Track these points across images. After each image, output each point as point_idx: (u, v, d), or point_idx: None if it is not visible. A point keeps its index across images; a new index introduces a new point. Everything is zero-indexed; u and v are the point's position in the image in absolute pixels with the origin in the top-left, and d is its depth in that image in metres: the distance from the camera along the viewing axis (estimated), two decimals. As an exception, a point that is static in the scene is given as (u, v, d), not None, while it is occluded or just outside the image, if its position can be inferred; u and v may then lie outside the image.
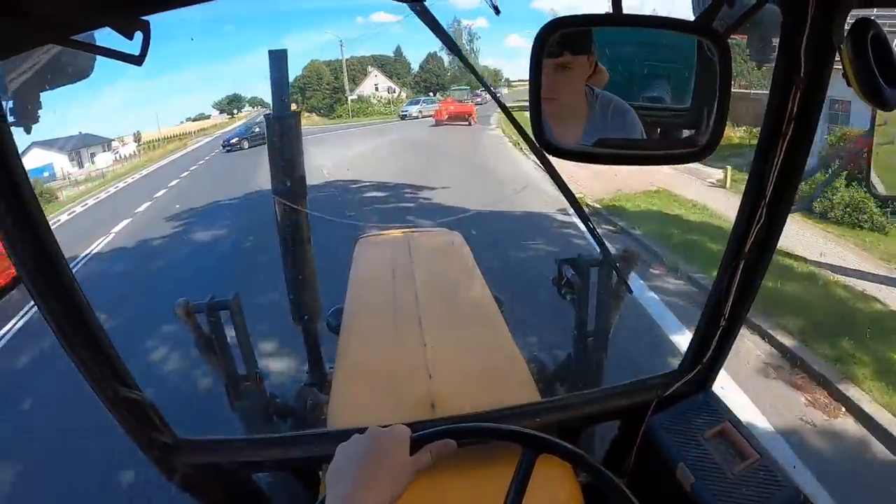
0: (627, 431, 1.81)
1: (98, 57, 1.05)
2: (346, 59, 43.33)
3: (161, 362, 6.11)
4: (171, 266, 9.85)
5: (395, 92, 53.28)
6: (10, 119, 1.16)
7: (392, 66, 59.74)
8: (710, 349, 1.68)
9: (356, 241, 3.73)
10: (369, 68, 45.89)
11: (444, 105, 33.56)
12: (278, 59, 2.96)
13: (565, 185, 1.44)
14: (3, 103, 1.13)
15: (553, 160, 1.08)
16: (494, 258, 7.21)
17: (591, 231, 1.66)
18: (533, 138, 1.01)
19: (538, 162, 1.20)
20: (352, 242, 3.72)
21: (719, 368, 1.75)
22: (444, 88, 47.33)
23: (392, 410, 1.95)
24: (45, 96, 1.44)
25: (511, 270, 7.20)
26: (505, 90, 38.37)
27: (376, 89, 48.97)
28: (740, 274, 1.47)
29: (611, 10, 0.97)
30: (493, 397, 1.88)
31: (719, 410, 1.69)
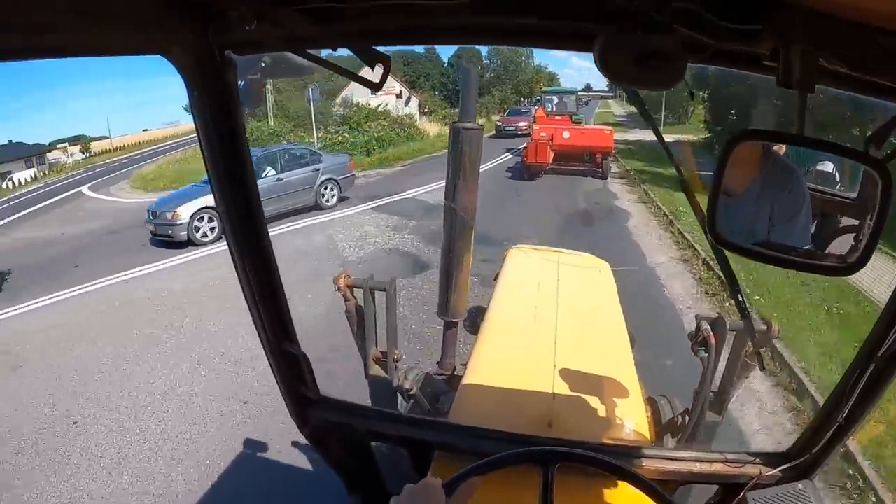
0: (720, 500, 1.85)
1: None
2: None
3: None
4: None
5: (404, 98, 39.15)
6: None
7: (420, 64, 46.74)
8: (822, 441, 1.64)
9: (508, 249, 3.81)
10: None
11: (545, 125, 18.96)
12: (468, 74, 3.45)
13: (725, 256, 1.31)
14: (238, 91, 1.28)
15: None
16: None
17: (739, 300, 1.71)
18: (706, 228, 1.05)
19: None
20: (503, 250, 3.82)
21: (825, 462, 1.71)
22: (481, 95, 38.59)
23: (511, 419, 1.95)
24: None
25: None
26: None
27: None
28: (868, 376, 1.43)
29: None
30: (606, 430, 1.97)
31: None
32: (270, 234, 1.49)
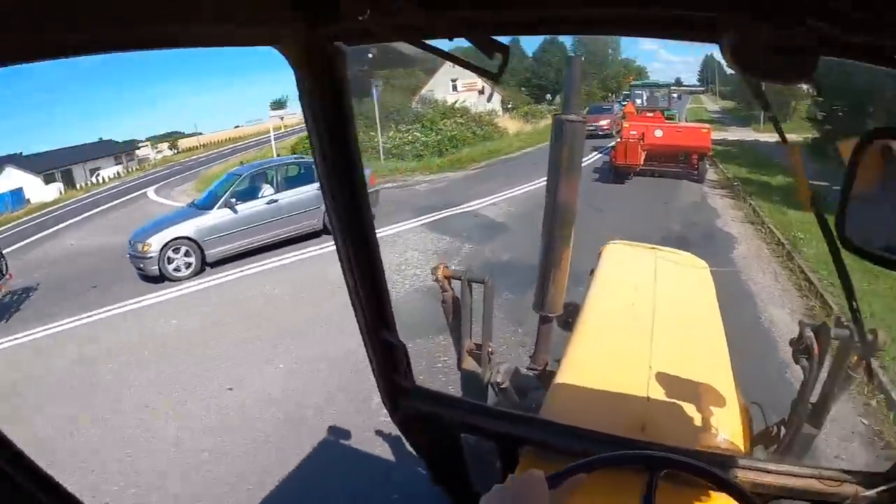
0: None
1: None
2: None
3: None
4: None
5: (486, 94, 38.05)
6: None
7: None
8: None
9: (605, 245, 3.71)
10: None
11: (636, 122, 17.04)
12: (574, 66, 3.51)
13: (841, 258, 1.29)
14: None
15: None
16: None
17: (853, 305, 1.59)
18: (834, 232, 1.07)
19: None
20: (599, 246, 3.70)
21: None
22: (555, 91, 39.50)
23: (604, 420, 1.90)
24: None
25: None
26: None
27: (454, 88, 39.58)
28: None
29: None
30: (703, 437, 1.92)
31: None
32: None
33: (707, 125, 16.54)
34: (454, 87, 40.71)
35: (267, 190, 11.70)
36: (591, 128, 23.10)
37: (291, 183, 12.03)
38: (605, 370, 2.25)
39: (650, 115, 18.68)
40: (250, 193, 11.60)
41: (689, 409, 2.03)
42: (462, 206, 13.54)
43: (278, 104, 32.33)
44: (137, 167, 46.97)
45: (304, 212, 11.76)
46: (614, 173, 15.73)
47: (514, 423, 1.93)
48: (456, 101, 31.72)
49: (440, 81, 40.39)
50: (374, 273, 1.59)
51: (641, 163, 15.34)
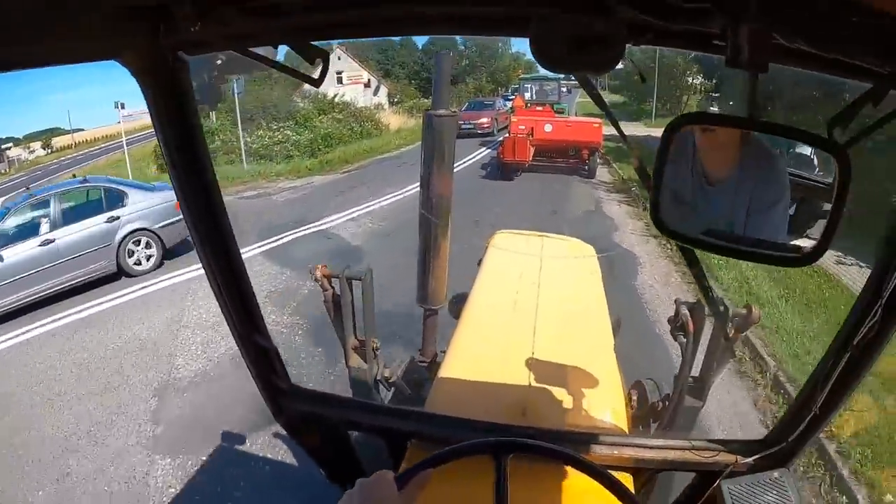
0: (696, 488, 1.87)
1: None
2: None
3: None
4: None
5: (372, 87, 36.40)
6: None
7: (395, 52, 44.35)
8: (798, 430, 1.65)
9: (492, 235, 3.76)
10: (334, 47, 30.17)
11: (525, 117, 16.26)
12: (443, 61, 3.29)
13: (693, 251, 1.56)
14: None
15: None
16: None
17: (704, 284, 1.82)
18: (651, 216, 1.07)
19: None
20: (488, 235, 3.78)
21: (802, 451, 1.74)
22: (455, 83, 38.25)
23: (487, 407, 1.97)
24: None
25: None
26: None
27: (339, 81, 37.51)
28: (844, 364, 1.44)
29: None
30: (582, 418, 2.00)
31: (789, 492, 1.71)
32: None
33: (598, 119, 15.59)
34: (339, 80, 39.27)
35: (42, 227, 8.72)
36: (468, 126, 21.07)
37: (76, 215, 9.22)
38: (489, 359, 2.32)
39: (539, 109, 17.89)
40: (22, 234, 8.67)
41: (570, 391, 2.09)
42: (316, 223, 11.27)
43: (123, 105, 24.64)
44: (7, 170, 41.15)
45: (91, 251, 9.00)
46: (502, 170, 14.94)
47: (398, 417, 1.96)
48: (337, 96, 29.27)
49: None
50: (238, 278, 1.57)
51: (530, 159, 14.68)
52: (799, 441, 1.67)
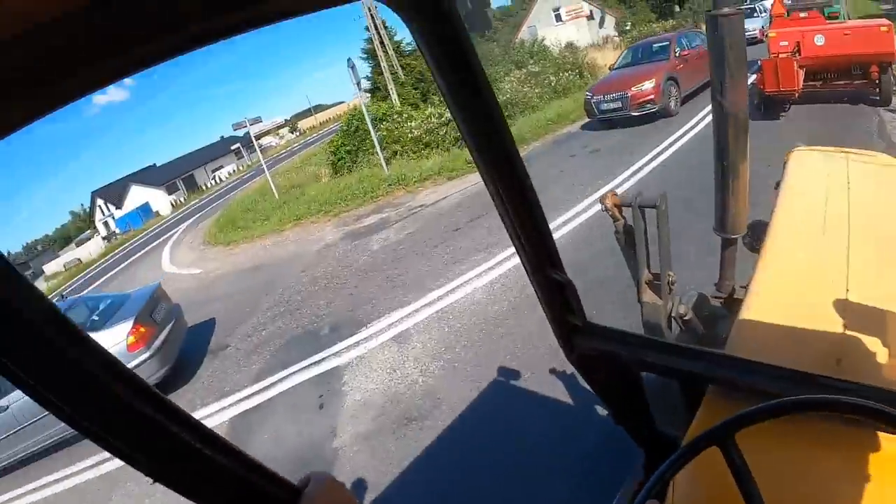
0: None
1: None
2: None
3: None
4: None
5: (597, 19, 30.92)
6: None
7: None
8: None
9: (789, 153, 3.31)
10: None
11: (786, 28, 11.26)
12: None
13: None
14: None
15: None
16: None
17: None
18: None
19: None
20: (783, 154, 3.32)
21: None
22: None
23: (795, 354, 1.73)
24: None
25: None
26: None
27: (558, 19, 33.74)
28: None
29: None
30: None
31: None
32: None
33: (886, 21, 10.64)
34: (558, 17, 33.80)
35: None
36: (606, 105, 14.06)
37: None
38: (796, 297, 2.09)
39: (803, 17, 12.36)
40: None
41: (892, 340, 1.80)
42: (384, 318, 7.05)
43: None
44: (249, 162, 46.94)
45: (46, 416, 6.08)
46: (763, 105, 10.81)
47: (696, 359, 1.75)
48: (542, 40, 24.29)
49: (542, 11, 34.03)
50: (533, 212, 1.47)
51: (801, 86, 10.51)
52: None
